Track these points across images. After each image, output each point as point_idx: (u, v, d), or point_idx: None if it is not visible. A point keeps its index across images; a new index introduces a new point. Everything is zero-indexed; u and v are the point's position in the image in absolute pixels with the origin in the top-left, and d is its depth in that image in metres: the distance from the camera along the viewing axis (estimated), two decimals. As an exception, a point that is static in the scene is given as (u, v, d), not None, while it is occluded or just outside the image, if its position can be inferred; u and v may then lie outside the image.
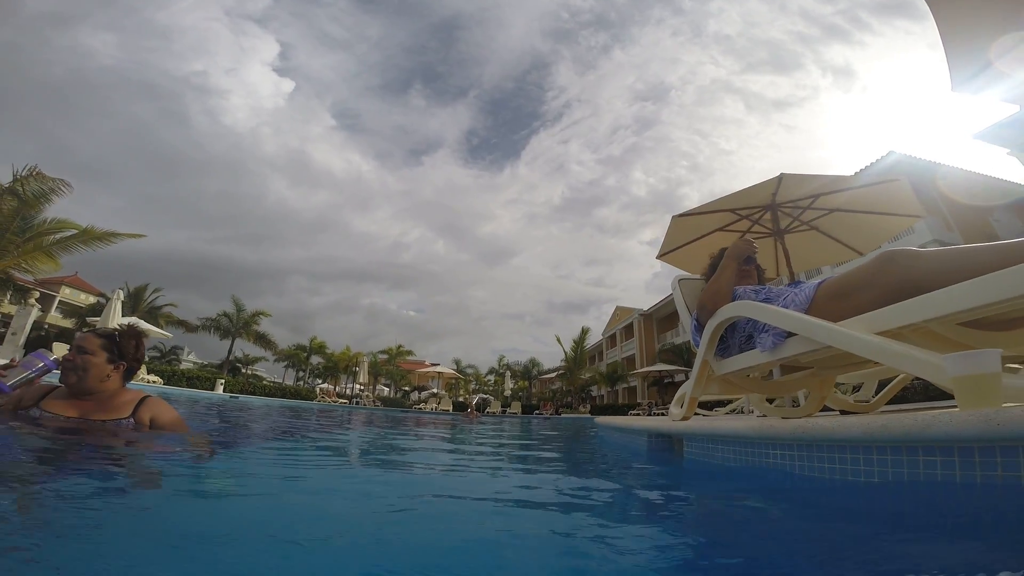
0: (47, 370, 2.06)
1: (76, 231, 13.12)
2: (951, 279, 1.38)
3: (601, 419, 6.48)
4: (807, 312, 1.92)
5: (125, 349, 2.08)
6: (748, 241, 2.71)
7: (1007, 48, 3.64)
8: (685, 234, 5.77)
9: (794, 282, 2.25)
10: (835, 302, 1.87)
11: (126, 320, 16.97)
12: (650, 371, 26.74)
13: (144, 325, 18.19)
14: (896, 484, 1.16)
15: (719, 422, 2.07)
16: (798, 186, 5.06)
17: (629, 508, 1.51)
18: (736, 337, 2.51)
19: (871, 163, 18.94)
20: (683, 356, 28.01)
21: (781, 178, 4.91)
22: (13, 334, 13.07)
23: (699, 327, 2.65)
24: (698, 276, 3.19)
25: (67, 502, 1.10)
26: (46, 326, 35.19)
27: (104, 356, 2.00)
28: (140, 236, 14.03)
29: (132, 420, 1.98)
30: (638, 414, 20.64)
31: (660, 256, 6.10)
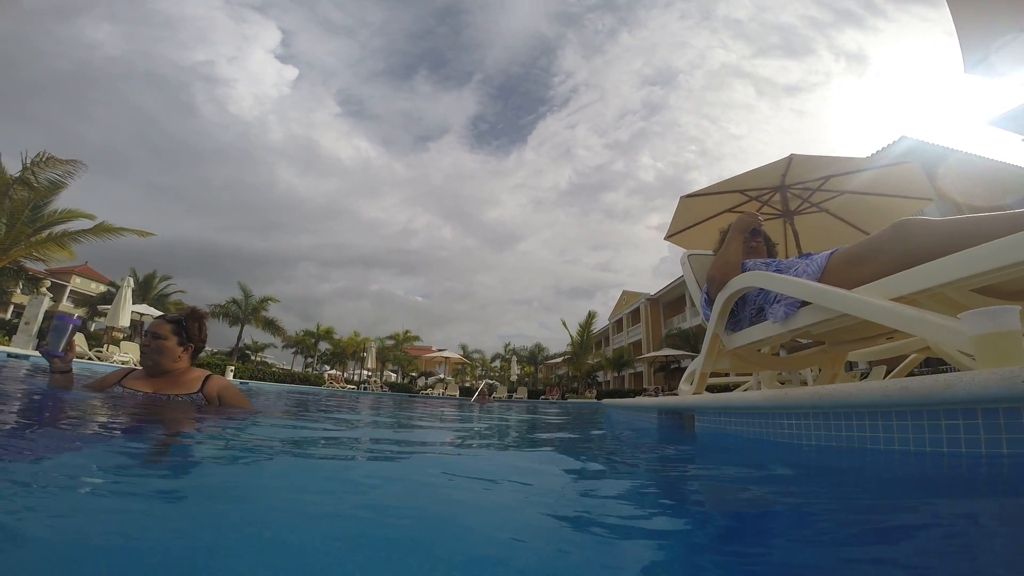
0: (76, 328, 2.18)
1: (91, 224, 13.23)
2: (964, 246, 1.38)
3: (608, 401, 6.52)
4: (820, 281, 1.92)
5: (191, 331, 2.27)
6: (752, 214, 2.72)
7: (1020, 30, 3.55)
8: (693, 215, 5.73)
9: (804, 255, 2.25)
10: (848, 270, 1.87)
11: (138, 308, 17.14)
12: (657, 356, 26.75)
13: (154, 312, 18.38)
14: (917, 452, 1.14)
15: (731, 395, 2.07)
16: (808, 167, 5.01)
17: (647, 481, 1.52)
18: (747, 310, 2.50)
19: (883, 148, 18.60)
20: (690, 341, 27.96)
21: (791, 159, 4.86)
22: (27, 323, 13.17)
23: (709, 301, 2.66)
24: (708, 252, 3.18)
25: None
26: (58, 315, 35.58)
27: (175, 340, 2.20)
28: (149, 235, 14.15)
29: (201, 395, 2.16)
30: (644, 398, 20.71)
31: (668, 237, 6.08)
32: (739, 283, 2.34)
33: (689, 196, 5.47)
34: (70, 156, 12.34)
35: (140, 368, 2.25)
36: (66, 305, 40.17)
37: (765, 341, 2.28)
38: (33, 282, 18.17)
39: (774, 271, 2.22)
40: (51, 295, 15.00)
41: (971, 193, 16.83)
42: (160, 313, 18.72)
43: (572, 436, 3.05)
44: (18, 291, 28.84)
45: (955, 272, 1.36)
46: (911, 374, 3.38)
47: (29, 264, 14.41)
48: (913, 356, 3.18)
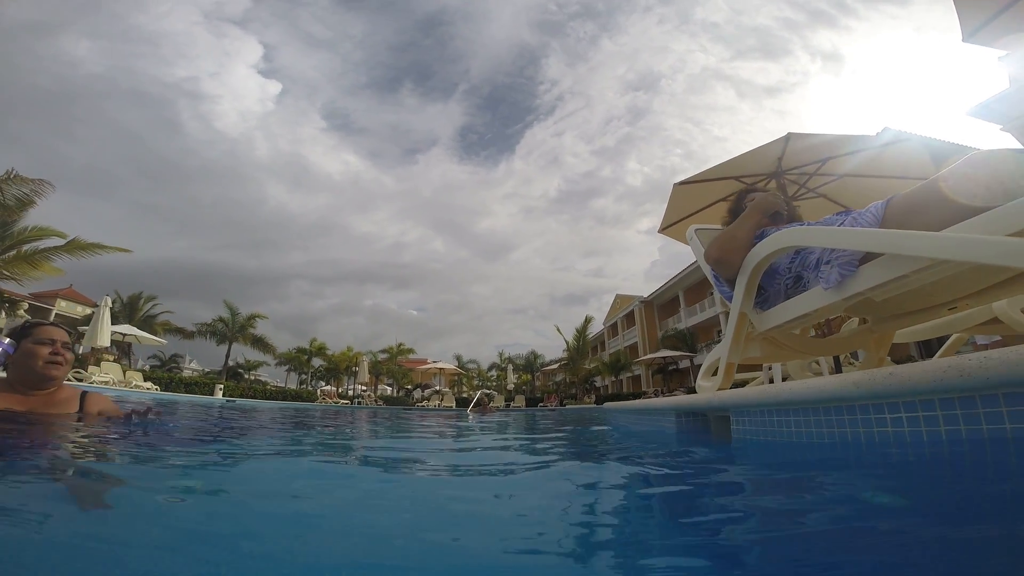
0: (7, 352, 1.86)
1: (61, 241, 12.69)
2: None
3: (611, 404, 6.11)
4: None
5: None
6: (776, 193, 2.41)
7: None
8: (687, 205, 5.49)
9: (842, 211, 1.90)
10: (911, 218, 1.52)
11: (120, 328, 16.58)
12: (654, 358, 26.43)
13: (137, 332, 17.91)
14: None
15: (786, 385, 1.63)
16: (806, 147, 4.74)
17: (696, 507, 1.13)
18: (778, 283, 2.10)
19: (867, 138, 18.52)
20: (687, 341, 27.67)
21: (788, 138, 4.61)
22: (1, 346, 12.64)
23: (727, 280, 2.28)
24: (717, 227, 2.82)
25: None
26: (42, 339, 34.84)
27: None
28: (125, 251, 13.65)
29: (82, 414, 1.99)
30: (644, 402, 20.17)
31: (662, 229, 5.84)
32: (779, 242, 1.82)
33: (682, 183, 5.26)
34: (53, 176, 11.80)
35: None
36: (51, 329, 39.24)
37: (812, 315, 1.88)
38: (12, 304, 17.61)
39: None
40: (30, 317, 14.44)
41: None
42: (143, 333, 18.21)
43: (588, 452, 2.63)
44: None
45: None
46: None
47: (3, 286, 13.85)
48: (957, 336, 2.85)
